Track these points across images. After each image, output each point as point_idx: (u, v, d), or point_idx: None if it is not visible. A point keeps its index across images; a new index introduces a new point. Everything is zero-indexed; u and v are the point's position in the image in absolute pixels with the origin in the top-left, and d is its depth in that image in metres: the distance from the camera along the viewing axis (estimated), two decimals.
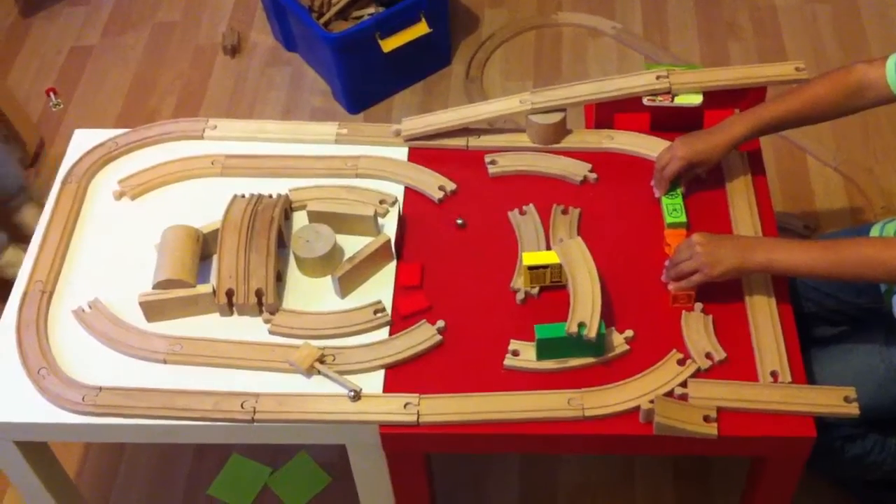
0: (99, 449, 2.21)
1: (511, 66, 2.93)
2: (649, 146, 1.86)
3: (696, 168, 1.74)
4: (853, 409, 1.51)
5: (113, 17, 3.18)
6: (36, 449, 1.73)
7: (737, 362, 1.57)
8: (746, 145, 1.83)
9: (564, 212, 1.78)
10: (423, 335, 1.63)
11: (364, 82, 2.77)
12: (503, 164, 1.86)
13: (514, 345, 1.60)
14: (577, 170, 1.84)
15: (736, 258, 1.56)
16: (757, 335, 1.59)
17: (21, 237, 2.43)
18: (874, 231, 1.77)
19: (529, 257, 1.66)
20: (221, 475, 2.15)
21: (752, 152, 1.85)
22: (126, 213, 1.85)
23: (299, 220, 1.80)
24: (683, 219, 1.72)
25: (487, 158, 1.87)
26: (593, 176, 1.83)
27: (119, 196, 1.87)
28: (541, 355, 1.58)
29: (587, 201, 1.80)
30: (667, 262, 1.65)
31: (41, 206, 2.27)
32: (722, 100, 1.86)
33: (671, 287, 1.63)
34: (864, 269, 1.53)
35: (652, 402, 1.50)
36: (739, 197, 1.78)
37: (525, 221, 1.77)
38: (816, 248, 1.57)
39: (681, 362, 1.57)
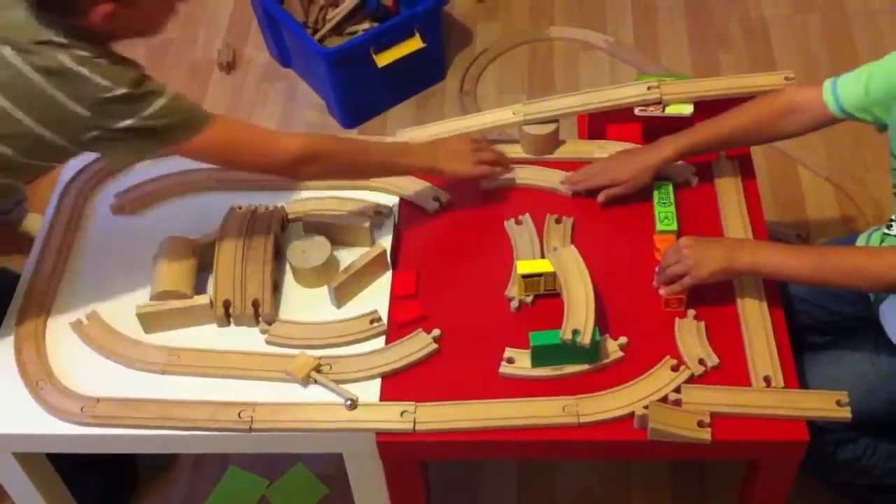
0: None
1: (505, 79, 2.96)
2: None
3: (621, 189, 1.79)
4: (845, 413, 1.52)
5: None
6: (34, 461, 1.74)
7: (730, 367, 1.59)
8: (737, 153, 1.86)
9: (558, 221, 1.80)
10: (418, 344, 1.64)
11: (359, 97, 2.79)
12: (494, 178, 1.87)
13: (509, 352, 1.62)
14: None
15: (722, 259, 1.58)
16: (749, 340, 1.61)
17: (27, 246, 2.43)
18: (861, 239, 1.78)
19: (524, 266, 1.67)
20: (219, 487, 2.15)
21: (742, 160, 1.87)
22: (124, 227, 1.86)
23: (295, 231, 1.82)
24: (674, 226, 1.74)
25: None
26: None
27: (117, 210, 1.88)
28: (536, 362, 1.59)
29: (580, 210, 1.82)
30: (657, 268, 1.67)
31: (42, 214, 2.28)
32: (712, 110, 1.87)
33: (662, 291, 1.64)
34: (849, 277, 1.54)
35: (646, 407, 1.51)
36: (730, 205, 1.80)
37: (520, 230, 1.79)
38: (802, 253, 1.59)
39: (674, 368, 1.58)
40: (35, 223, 2.47)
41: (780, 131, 1.74)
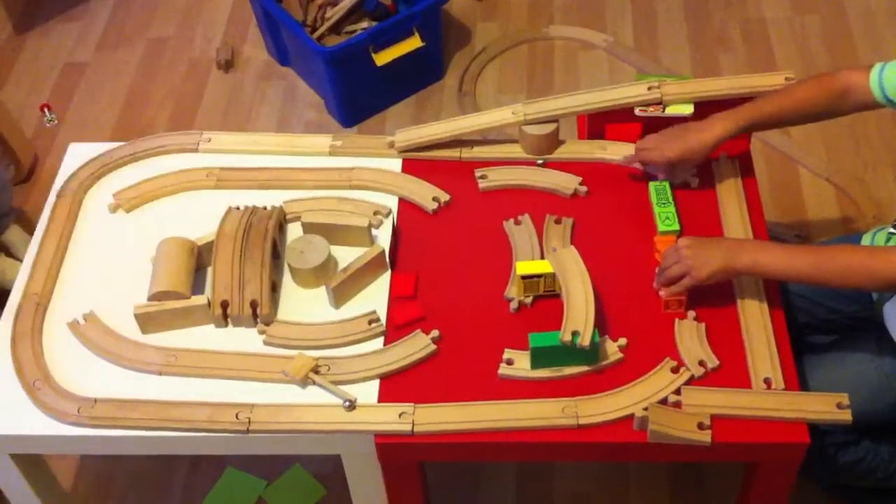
0: (94, 462, 2.20)
1: (504, 79, 2.95)
2: None
3: (679, 165, 1.77)
4: (846, 416, 1.52)
5: (107, 32, 3.20)
6: (31, 462, 1.73)
7: (730, 369, 1.58)
8: (737, 153, 1.85)
9: (557, 221, 1.79)
10: (417, 345, 1.63)
11: (357, 96, 2.78)
12: (493, 179, 1.87)
13: (508, 354, 1.61)
14: (568, 183, 1.85)
15: (722, 259, 1.58)
16: (750, 342, 1.60)
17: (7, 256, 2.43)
18: (865, 239, 1.78)
19: (523, 266, 1.67)
20: (216, 488, 2.14)
21: (742, 160, 1.86)
22: (121, 226, 1.85)
23: (294, 231, 1.81)
24: (676, 227, 1.73)
25: (478, 173, 1.87)
26: (583, 189, 1.84)
27: (114, 209, 1.87)
28: (535, 364, 1.58)
29: (580, 211, 1.81)
30: (657, 269, 1.66)
31: (29, 225, 2.27)
32: (712, 110, 1.86)
33: (662, 293, 1.64)
34: (850, 276, 1.54)
35: (646, 409, 1.51)
36: (730, 205, 1.79)
37: (519, 231, 1.78)
38: (802, 252, 1.58)
39: (674, 370, 1.58)
40: (15, 236, 2.45)
41: (832, 111, 1.73)
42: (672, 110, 1.86)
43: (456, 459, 1.98)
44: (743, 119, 1.73)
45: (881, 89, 1.64)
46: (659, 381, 1.56)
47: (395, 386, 1.60)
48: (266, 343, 1.66)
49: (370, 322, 1.66)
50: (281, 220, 1.80)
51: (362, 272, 1.70)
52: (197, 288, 1.72)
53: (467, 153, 1.91)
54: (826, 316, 1.85)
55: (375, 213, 1.81)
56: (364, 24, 2.80)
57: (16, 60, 3.13)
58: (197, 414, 1.57)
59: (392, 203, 1.84)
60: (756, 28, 3.02)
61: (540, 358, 1.57)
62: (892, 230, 1.70)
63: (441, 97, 2.90)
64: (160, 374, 1.63)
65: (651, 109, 1.86)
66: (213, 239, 1.73)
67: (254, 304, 1.66)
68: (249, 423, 1.55)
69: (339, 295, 1.69)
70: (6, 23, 3.22)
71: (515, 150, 1.91)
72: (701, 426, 1.51)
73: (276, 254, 1.75)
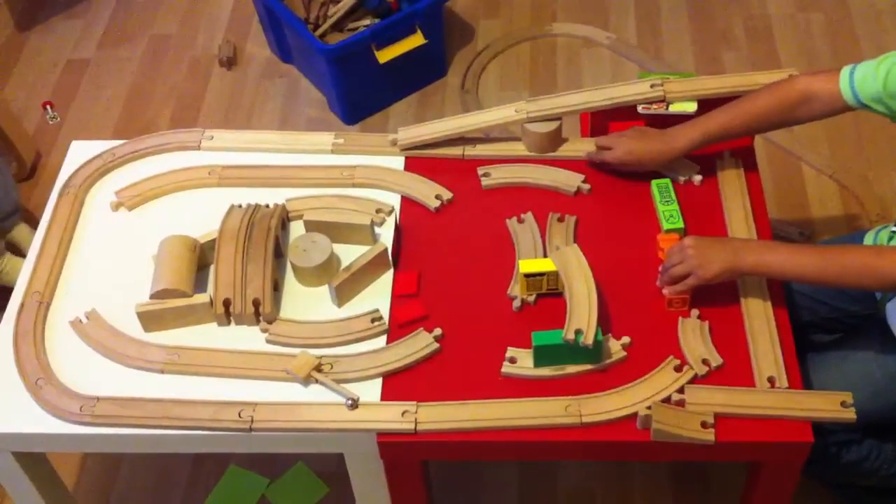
0: (96, 460, 2.21)
1: (506, 76, 2.95)
2: None
3: (630, 167, 1.81)
4: (850, 414, 1.51)
5: (109, 29, 3.19)
6: (34, 460, 1.73)
7: (733, 368, 1.58)
8: (740, 150, 1.84)
9: (560, 220, 1.79)
10: (420, 343, 1.63)
11: (360, 93, 2.78)
12: (496, 177, 1.86)
13: (511, 352, 1.61)
14: (571, 181, 1.84)
15: (727, 259, 1.57)
16: (753, 341, 1.60)
17: (14, 254, 2.43)
18: (868, 238, 1.77)
19: (526, 265, 1.66)
20: (219, 486, 2.15)
21: (746, 157, 1.86)
22: (123, 224, 1.85)
23: (296, 229, 1.81)
24: (681, 224, 1.73)
25: (480, 171, 1.87)
26: (587, 187, 1.84)
27: (116, 207, 1.87)
28: (538, 362, 1.58)
29: (583, 209, 1.81)
30: (660, 268, 1.66)
31: (33, 223, 2.28)
32: (716, 108, 1.86)
33: (665, 291, 1.63)
34: (855, 277, 1.54)
35: (649, 408, 1.50)
36: (734, 202, 1.79)
37: (522, 229, 1.78)
38: (808, 253, 1.58)
39: (678, 368, 1.57)
40: (23, 234, 2.46)
41: (795, 119, 1.73)
42: (675, 108, 1.85)
43: (458, 458, 1.97)
44: (702, 135, 1.74)
45: (853, 93, 1.63)
46: (662, 380, 1.56)
47: (397, 384, 1.59)
48: (269, 341, 1.65)
49: (373, 320, 1.66)
50: (283, 218, 1.80)
51: (365, 270, 1.70)
52: (199, 286, 1.71)
53: (470, 151, 1.91)
54: (829, 314, 1.85)
55: (378, 212, 1.80)
56: (366, 22, 2.80)
57: (18, 58, 3.13)
58: (200, 412, 1.57)
59: (395, 201, 1.84)
60: (760, 24, 3.01)
61: (543, 356, 1.57)
62: (894, 228, 1.69)
63: (443, 95, 2.90)
64: (163, 372, 1.63)
65: (654, 107, 1.86)
66: (215, 237, 1.73)
67: (256, 303, 1.66)
68: (252, 421, 1.55)
69: (342, 293, 1.69)
70: (8, 20, 3.22)
71: (518, 148, 1.91)
72: (704, 425, 1.50)
73: (279, 252, 1.75)
